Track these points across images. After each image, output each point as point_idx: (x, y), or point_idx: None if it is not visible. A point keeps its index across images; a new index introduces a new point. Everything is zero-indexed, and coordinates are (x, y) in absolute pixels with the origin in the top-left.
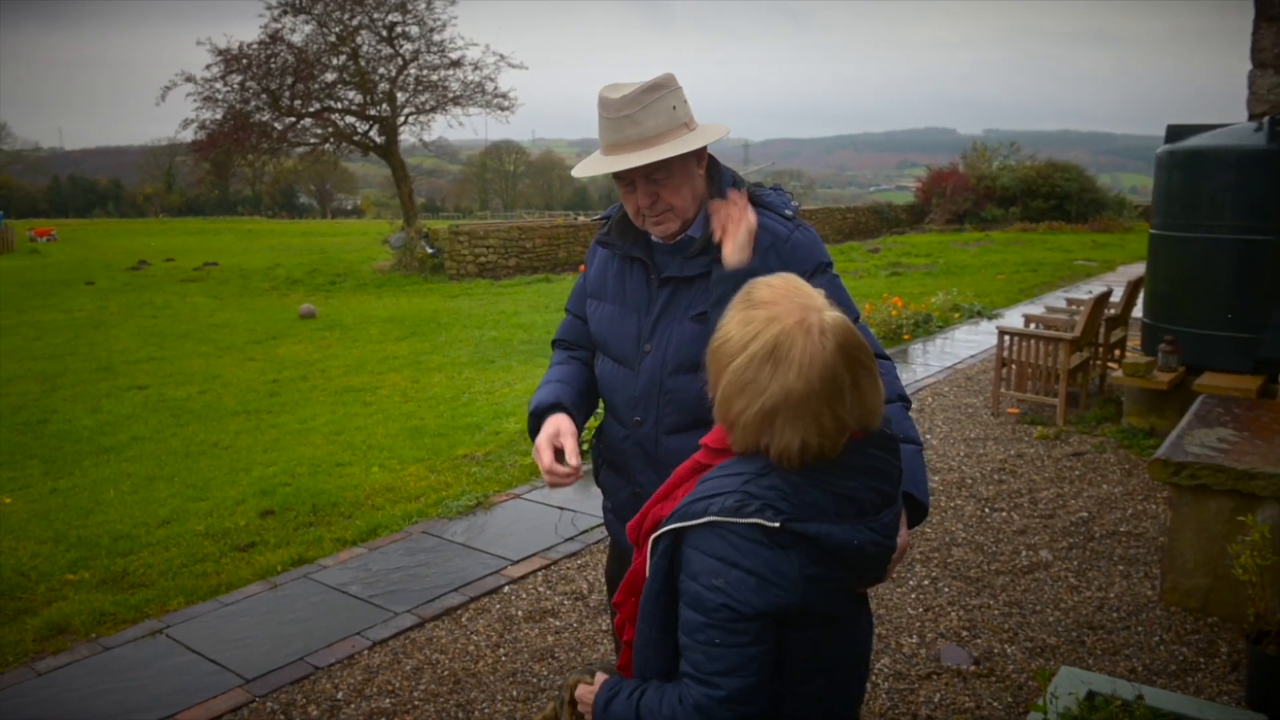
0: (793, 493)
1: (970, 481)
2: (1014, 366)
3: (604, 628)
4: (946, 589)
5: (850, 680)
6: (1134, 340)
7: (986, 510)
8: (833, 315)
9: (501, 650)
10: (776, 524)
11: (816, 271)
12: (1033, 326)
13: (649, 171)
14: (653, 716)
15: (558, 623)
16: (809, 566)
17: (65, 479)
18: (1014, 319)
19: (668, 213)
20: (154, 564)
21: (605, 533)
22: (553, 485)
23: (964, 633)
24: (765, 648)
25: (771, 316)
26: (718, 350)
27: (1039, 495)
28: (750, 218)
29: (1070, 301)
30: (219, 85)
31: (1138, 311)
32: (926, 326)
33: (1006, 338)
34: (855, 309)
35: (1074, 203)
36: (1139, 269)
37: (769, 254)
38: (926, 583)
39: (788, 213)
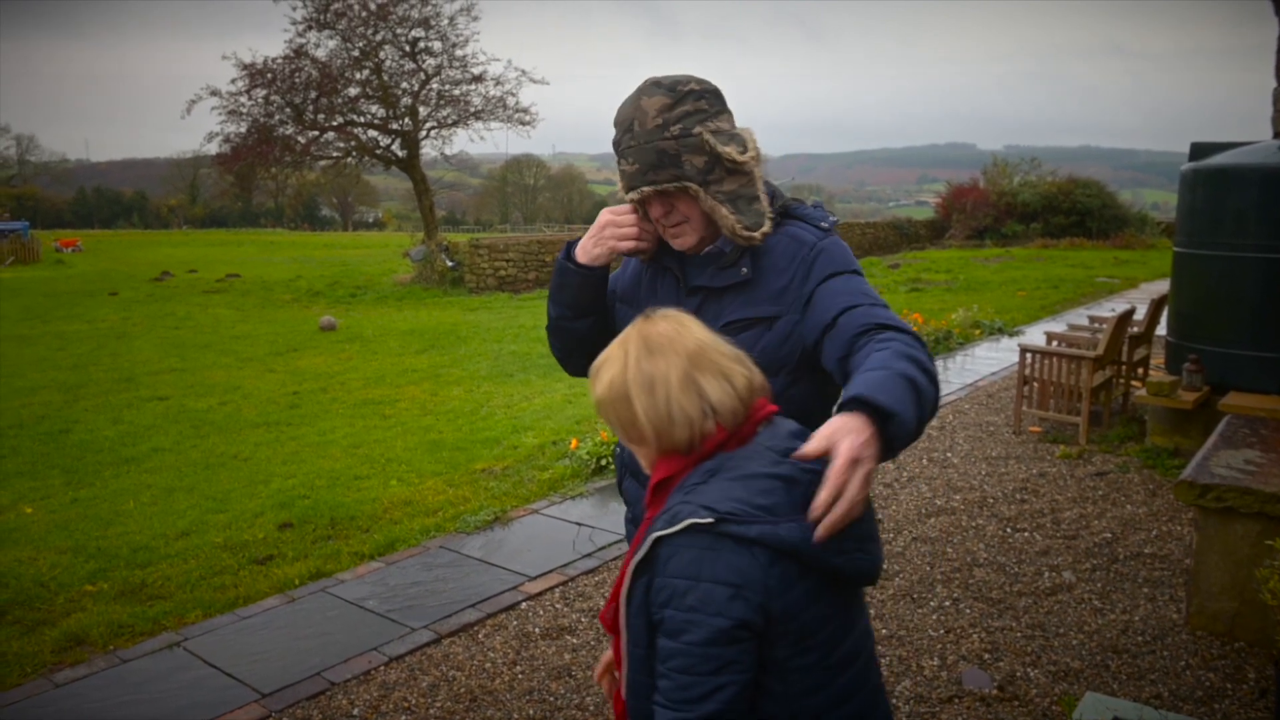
0: (729, 491)
1: (992, 501)
2: (1036, 384)
3: None
4: (968, 610)
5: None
6: (1157, 359)
7: (1009, 530)
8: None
9: (518, 668)
10: (710, 519)
11: (833, 276)
12: (1055, 344)
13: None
14: None
15: (575, 640)
16: (776, 564)
17: (86, 489)
18: (1035, 336)
19: (683, 224)
20: (172, 576)
21: (624, 549)
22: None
23: (986, 655)
24: (743, 669)
25: (616, 342)
26: (609, 399)
27: (1062, 515)
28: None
29: (1093, 319)
30: (243, 99)
31: (1161, 329)
32: (947, 343)
33: (1028, 355)
34: (880, 300)
35: (1095, 219)
36: (1162, 286)
37: (795, 262)
38: (948, 604)
39: (824, 225)
